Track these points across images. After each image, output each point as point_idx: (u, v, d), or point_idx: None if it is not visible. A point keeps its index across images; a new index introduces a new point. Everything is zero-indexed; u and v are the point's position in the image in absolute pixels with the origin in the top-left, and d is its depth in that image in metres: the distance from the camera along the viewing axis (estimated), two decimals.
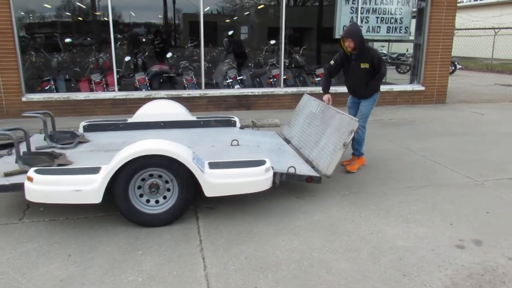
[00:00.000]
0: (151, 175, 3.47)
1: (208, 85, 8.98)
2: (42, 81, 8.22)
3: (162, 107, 5.50)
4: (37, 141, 4.68)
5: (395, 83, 10.45)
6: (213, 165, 3.56)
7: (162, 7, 9.51)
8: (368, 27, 9.00)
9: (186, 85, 8.80)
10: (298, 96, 8.79)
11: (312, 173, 4.02)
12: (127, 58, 9.22)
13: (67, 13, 8.82)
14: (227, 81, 9.01)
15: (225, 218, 3.65)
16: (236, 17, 10.24)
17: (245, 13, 10.35)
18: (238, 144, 4.67)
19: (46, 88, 8.18)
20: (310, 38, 10.41)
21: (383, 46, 18.30)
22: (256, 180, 3.54)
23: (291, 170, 3.86)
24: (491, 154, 5.63)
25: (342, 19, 8.92)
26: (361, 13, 8.87)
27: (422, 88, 9.47)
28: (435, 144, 6.19)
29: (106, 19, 7.95)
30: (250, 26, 10.63)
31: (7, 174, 3.62)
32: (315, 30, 10.26)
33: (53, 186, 3.28)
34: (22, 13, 7.95)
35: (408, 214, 3.75)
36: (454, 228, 3.49)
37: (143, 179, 3.47)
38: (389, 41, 11.41)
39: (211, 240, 3.26)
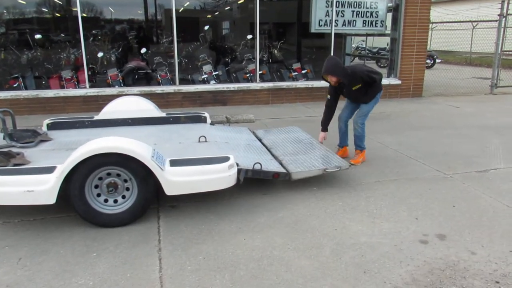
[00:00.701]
0: (109, 174, 3.35)
1: (184, 81, 8.85)
2: (10, 78, 7.97)
3: (129, 103, 5.35)
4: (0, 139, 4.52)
5: None
6: (174, 163, 3.45)
7: (137, 2, 9.33)
8: (344, 20, 8.95)
9: (160, 81, 8.64)
10: (275, 91, 8.76)
11: (280, 169, 3.96)
12: (100, 54, 9.01)
13: (38, 9, 8.59)
14: (203, 77, 8.88)
15: (187, 216, 3.56)
16: (214, 12, 10.11)
17: (223, 8, 10.22)
18: (206, 141, 4.57)
19: (15, 85, 7.94)
20: (287, 33, 10.35)
21: (363, 41, 18.40)
22: (219, 177, 3.45)
23: (257, 167, 3.79)
24: (463, 147, 5.64)
25: (318, 12, 8.86)
26: (336, 7, 8.82)
27: (399, 82, 9.49)
28: (408, 138, 6.18)
29: (76, 15, 7.73)
30: (227, 21, 10.51)
31: None
32: (292, 25, 10.20)
33: (4, 187, 3.13)
34: None
35: (374, 209, 3.71)
36: (419, 222, 3.46)
37: (100, 178, 3.34)
38: (365, 35, 11.42)
39: (170, 240, 3.16)
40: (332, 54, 9.04)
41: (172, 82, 8.60)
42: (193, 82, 8.97)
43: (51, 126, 5.07)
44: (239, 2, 9.94)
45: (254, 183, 4.26)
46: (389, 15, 9.48)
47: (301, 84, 8.95)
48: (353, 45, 16.13)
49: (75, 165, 3.15)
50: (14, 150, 4.09)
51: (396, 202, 3.85)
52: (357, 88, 4.71)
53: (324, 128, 5.01)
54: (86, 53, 7.88)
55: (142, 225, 3.39)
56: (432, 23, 17.24)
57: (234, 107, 8.43)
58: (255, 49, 8.77)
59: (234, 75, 9.35)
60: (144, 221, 3.46)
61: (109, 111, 5.29)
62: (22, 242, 3.13)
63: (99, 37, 9.26)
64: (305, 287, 2.58)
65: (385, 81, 9.47)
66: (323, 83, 9.31)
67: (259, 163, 3.80)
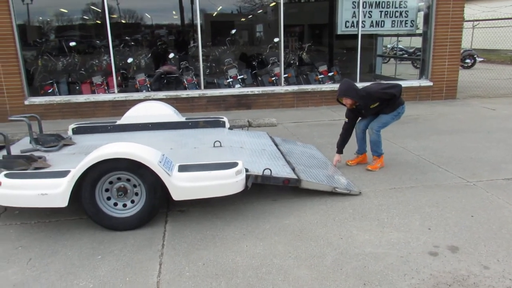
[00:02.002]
0: (119, 179, 3.44)
1: (210, 85, 8.96)
2: (45, 84, 8.38)
3: (150, 108, 5.48)
4: (26, 144, 4.76)
5: (406, 78, 10.14)
6: (182, 168, 3.50)
7: (165, 8, 9.54)
8: (372, 21, 8.75)
9: (186, 85, 8.79)
10: (299, 94, 8.69)
11: (290, 175, 3.91)
12: (130, 60, 9.29)
13: (73, 17, 8.97)
14: (228, 81, 8.94)
15: (193, 221, 3.59)
16: (241, 17, 10.16)
17: (250, 12, 10.25)
18: (220, 146, 4.60)
19: (49, 91, 8.33)
20: (314, 35, 10.24)
21: (399, 41, 17.85)
22: (226, 183, 3.45)
23: (267, 172, 3.76)
24: (492, 153, 5.35)
25: (344, 14, 8.71)
26: (363, 8, 8.63)
27: (430, 84, 9.14)
28: (434, 142, 5.94)
29: (103, 21, 8.02)
30: (254, 25, 10.53)
31: None
32: (318, 27, 10.08)
33: (21, 190, 3.29)
34: (24, 19, 8.12)
35: (385, 218, 3.59)
36: (432, 233, 3.31)
37: (111, 182, 3.44)
38: (394, 35, 11.07)
39: (173, 245, 3.20)
40: (359, 55, 8.86)
41: (198, 86, 8.72)
42: (218, 86, 9.06)
43: (76, 131, 5.29)
44: (270, 5, 9.91)
45: (264, 189, 4.24)
46: (420, 14, 9.16)
47: (327, 87, 8.82)
48: (388, 46, 15.73)
49: (86, 170, 3.26)
50: (37, 154, 4.30)
51: (410, 211, 3.71)
52: (375, 106, 4.63)
53: (339, 150, 4.87)
54: (115, 59, 8.15)
55: (149, 229, 3.45)
56: (474, 21, 16.47)
57: (258, 110, 8.43)
58: (279, 52, 8.73)
59: (259, 78, 9.36)
60: (151, 225, 3.52)
61: (131, 116, 5.44)
62: (35, 243, 3.28)
63: (129, 43, 9.54)
64: None
65: (415, 83, 9.20)
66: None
67: (269, 169, 3.77)
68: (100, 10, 8.43)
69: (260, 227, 3.47)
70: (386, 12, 8.76)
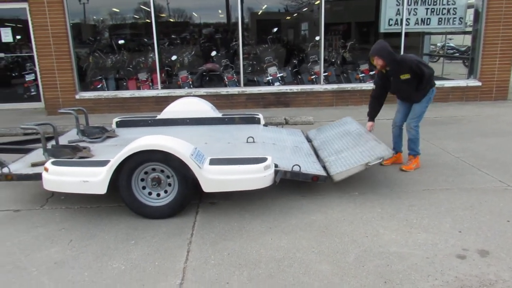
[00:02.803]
0: (153, 169, 3.63)
1: (250, 83, 9.09)
2: (94, 80, 8.87)
3: (188, 104, 5.69)
4: (73, 135, 5.11)
5: (454, 78, 9.76)
6: (213, 162, 3.63)
7: (208, 7, 9.76)
8: (417, 19, 8.50)
9: (226, 82, 8.97)
10: (339, 93, 8.62)
11: (319, 172, 3.94)
12: (174, 57, 9.61)
13: (122, 16, 9.39)
14: (267, 78, 9.03)
15: (222, 213, 3.72)
16: (283, 15, 10.20)
17: (292, 11, 10.27)
18: (253, 141, 4.70)
19: (98, 86, 8.82)
20: (356, 33, 10.07)
21: (450, 39, 17.12)
22: (254, 177, 3.54)
23: (296, 169, 3.82)
24: None
25: (388, 11, 8.52)
26: (408, 5, 8.40)
27: (479, 84, 8.75)
28: (476, 144, 5.71)
29: (150, 20, 8.36)
30: (296, 23, 10.52)
31: (33, 164, 4.01)
32: (361, 25, 9.90)
33: (65, 177, 3.56)
34: (77, 18, 8.63)
35: (414, 219, 3.53)
36: (462, 236, 3.23)
37: (146, 173, 3.63)
38: (441, 33, 10.65)
39: (202, 234, 3.34)
40: (402, 53, 8.62)
41: (238, 84, 8.88)
42: (258, 84, 9.18)
43: (119, 124, 5.59)
44: (316, 3, 9.89)
45: (294, 184, 4.29)
46: (470, 11, 8.77)
47: (367, 85, 8.68)
48: (438, 44, 15.15)
49: (123, 160, 3.48)
50: (83, 144, 4.60)
51: (441, 213, 3.62)
52: (405, 79, 4.45)
53: (371, 118, 4.84)
54: (160, 57, 8.49)
55: (180, 219, 3.62)
56: None
57: (296, 109, 8.46)
58: (320, 50, 8.71)
59: (299, 76, 9.37)
60: (183, 215, 3.69)
61: (170, 111, 5.67)
62: (76, 226, 3.54)
63: (175, 41, 9.86)
64: None
65: (461, 83, 8.85)
66: None
67: (298, 165, 3.82)
68: (148, 9, 8.79)
69: (287, 221, 3.53)
70: (433, 9, 8.48)
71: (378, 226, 3.42)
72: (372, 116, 4.85)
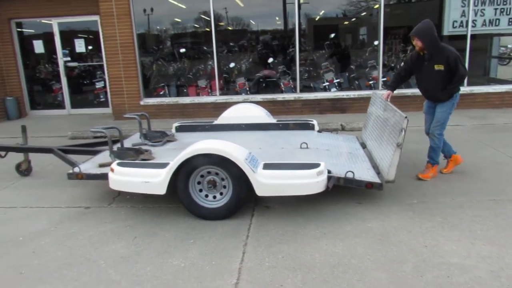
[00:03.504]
0: (209, 172, 3.77)
1: (306, 89, 9.09)
2: (158, 87, 9.34)
3: (244, 110, 5.82)
4: (136, 139, 5.42)
5: None
6: (267, 166, 3.69)
7: (266, 14, 9.92)
8: (484, 20, 8.05)
9: (283, 89, 9.04)
10: (398, 98, 8.34)
11: (374, 179, 3.86)
12: (232, 65, 9.86)
13: (183, 26, 9.82)
14: (324, 84, 8.98)
15: (277, 217, 3.76)
16: (343, 20, 10.10)
17: (353, 15, 10.15)
18: (307, 147, 4.71)
19: (161, 93, 9.27)
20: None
21: None
22: (307, 182, 3.56)
23: (349, 175, 3.78)
24: None
25: (452, 13, 8.16)
26: (474, 5, 7.98)
27: None
28: None
29: (209, 29, 8.66)
30: (354, 28, 10.38)
31: (101, 165, 4.32)
32: None
33: (128, 177, 3.80)
34: (142, 29, 9.15)
35: (478, 230, 3.36)
36: None
37: (202, 176, 3.78)
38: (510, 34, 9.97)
39: (257, 237, 3.41)
40: (468, 57, 8.22)
41: (294, 90, 8.92)
42: (314, 89, 9.15)
43: (178, 129, 5.85)
44: (375, 7, 9.72)
45: (350, 191, 4.25)
46: None
47: None
48: (509, 46, 14.22)
49: (182, 163, 3.65)
50: (145, 147, 4.88)
51: (509, 224, 3.41)
52: (438, 69, 4.26)
53: (390, 88, 4.77)
54: (219, 64, 8.76)
55: (236, 221, 3.72)
56: None
57: (353, 115, 8.33)
58: (378, 55, 8.52)
59: (356, 82, 9.22)
60: (238, 217, 3.78)
61: (226, 116, 5.84)
62: (140, 224, 3.76)
63: (233, 49, 10.12)
64: None
65: None
66: None
67: (352, 172, 3.78)
68: (208, 19, 9.11)
69: (341, 228, 3.51)
70: (502, 10, 7.99)
71: (438, 236, 3.29)
72: (391, 86, 4.79)
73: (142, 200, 4.31)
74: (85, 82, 10.14)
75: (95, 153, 4.91)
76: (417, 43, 4.30)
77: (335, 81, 8.97)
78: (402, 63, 4.70)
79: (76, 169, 4.17)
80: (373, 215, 3.71)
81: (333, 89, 8.88)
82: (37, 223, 3.85)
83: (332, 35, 10.11)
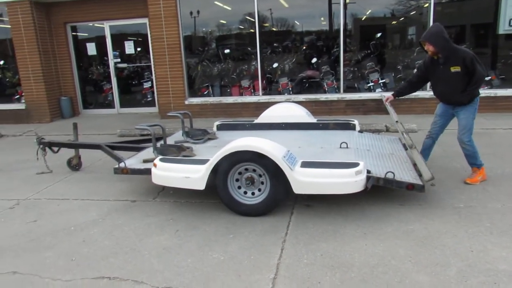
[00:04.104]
0: (247, 169, 3.81)
1: (350, 89, 8.96)
2: (202, 87, 9.56)
3: (284, 109, 5.84)
4: (179, 136, 5.59)
5: None
6: (305, 164, 3.69)
7: (311, 15, 9.89)
8: None
9: (326, 89, 8.97)
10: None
11: (415, 180, 3.75)
12: (275, 65, 9.90)
13: (228, 27, 9.99)
14: (369, 85, 8.81)
15: (317, 216, 3.75)
16: (391, 20, 9.88)
17: (401, 15, 9.90)
18: (347, 147, 4.65)
19: (205, 93, 9.48)
20: (469, 36, 9.30)
21: None
22: (345, 181, 3.51)
23: (389, 176, 3.70)
24: None
25: (508, 11, 7.74)
26: None
27: None
28: None
29: (254, 30, 8.75)
30: (406, 27, 10.10)
31: (145, 161, 4.50)
32: (475, 27, 9.12)
33: (170, 172, 3.93)
34: (188, 31, 9.41)
35: None
36: None
37: (240, 173, 3.83)
38: None
39: (296, 234, 3.42)
40: None
41: (337, 90, 8.82)
42: (359, 90, 9.00)
43: (219, 127, 5.97)
44: (424, 6, 9.43)
45: (392, 193, 4.15)
46: None
47: (481, 92, 7.92)
48: None
49: (221, 159, 3.73)
50: (187, 144, 5.02)
51: None
52: (455, 71, 4.08)
53: (397, 94, 4.77)
54: (262, 64, 8.83)
55: (275, 218, 3.75)
56: None
57: (399, 116, 8.07)
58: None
59: (403, 82, 8.95)
60: (278, 214, 3.81)
61: (267, 115, 5.88)
62: (182, 218, 3.88)
63: (277, 49, 10.17)
64: None
65: None
66: (510, 92, 8.09)
67: (392, 172, 3.70)
68: (253, 20, 9.22)
69: (382, 229, 3.44)
70: None
71: (485, 241, 3.15)
72: (397, 91, 4.76)
73: (184, 195, 4.44)
74: (133, 82, 10.56)
75: (140, 149, 5.11)
76: (429, 48, 4.20)
77: (380, 81, 8.77)
78: (415, 70, 4.54)
79: (122, 164, 4.36)
80: (416, 218, 3.61)
81: (378, 90, 8.69)
82: (87, 214, 4.08)
83: (378, 35, 9.90)
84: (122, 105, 10.48)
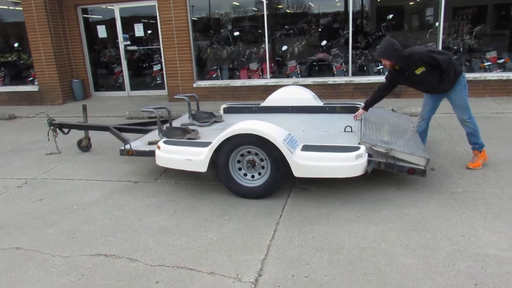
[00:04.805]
0: (249, 152, 3.87)
1: (360, 73, 8.85)
2: (210, 70, 9.56)
3: (291, 92, 5.84)
4: (186, 119, 5.65)
5: None
6: (305, 148, 3.71)
7: None
8: None
9: (335, 72, 8.88)
10: None
11: (416, 165, 3.74)
12: (284, 48, 9.82)
13: (237, 10, 9.91)
14: (378, 68, 8.69)
15: (313, 199, 3.79)
16: (400, 1, 9.66)
17: None
18: (351, 131, 4.65)
19: (214, 76, 9.48)
20: (487, 17, 9.03)
21: None
22: (344, 165, 3.54)
23: (390, 160, 3.70)
24: None
25: None
26: None
27: None
28: None
29: (262, 12, 8.67)
30: (423, 8, 9.86)
31: (150, 143, 4.58)
32: (496, 7, 8.84)
33: (173, 155, 4.01)
34: (196, 13, 9.37)
35: None
36: None
37: (242, 155, 3.89)
38: None
39: (290, 216, 3.47)
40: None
41: (346, 73, 8.73)
42: (368, 73, 8.88)
43: (226, 110, 6.01)
44: None
45: (392, 176, 4.15)
46: None
47: (493, 75, 7.78)
48: None
49: (222, 142, 3.78)
50: (192, 127, 5.08)
51: None
52: (421, 72, 4.06)
53: (366, 107, 4.70)
54: (271, 47, 8.77)
55: (272, 200, 3.80)
56: None
57: (408, 99, 8.00)
58: (437, 37, 8.05)
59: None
60: (275, 197, 3.86)
61: (273, 99, 5.89)
62: (181, 199, 3.96)
63: (286, 32, 10.07)
64: (400, 284, 2.52)
65: None
66: None
67: (393, 156, 3.69)
68: (262, 0, 9.12)
69: (377, 212, 3.46)
70: None
71: (478, 226, 3.14)
72: (367, 105, 4.72)
73: (186, 177, 4.52)
74: (143, 65, 10.63)
75: (146, 131, 5.19)
76: (386, 63, 4.21)
77: None
78: (384, 81, 4.50)
79: (127, 146, 4.46)
80: (412, 202, 3.61)
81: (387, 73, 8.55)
82: (90, 194, 4.20)
83: (390, 16, 9.69)
84: (132, 87, 10.58)
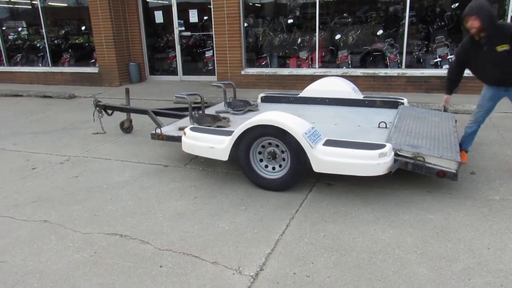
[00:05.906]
0: (270, 144, 3.81)
1: (416, 65, 8.34)
2: (260, 57, 9.52)
3: (330, 84, 5.65)
4: (222, 106, 5.69)
5: None
6: (328, 143, 3.58)
7: None
8: None
9: (388, 63, 8.45)
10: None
11: (447, 168, 3.46)
12: (338, 36, 9.50)
13: None
14: (435, 60, 8.13)
15: (334, 196, 3.66)
16: None
17: None
18: (385, 127, 4.41)
19: (263, 63, 9.43)
20: None
21: None
22: (366, 163, 3.37)
23: (419, 160, 3.46)
24: None
25: None
26: None
27: None
28: None
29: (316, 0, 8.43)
30: None
31: (180, 128, 4.68)
32: None
33: (197, 141, 4.06)
34: (252, 0, 9.33)
35: None
36: None
37: (263, 146, 3.84)
38: None
39: (306, 212, 3.39)
40: None
41: (400, 65, 8.27)
42: (424, 66, 8.35)
43: (263, 99, 5.96)
44: None
45: (424, 178, 3.90)
46: None
47: None
48: None
49: (243, 132, 3.76)
50: (226, 115, 5.10)
51: None
52: (502, 50, 3.57)
53: (448, 91, 4.34)
54: (325, 36, 8.53)
55: (292, 194, 3.73)
56: None
57: (464, 95, 7.41)
58: None
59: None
60: (296, 191, 3.79)
61: (312, 89, 5.74)
62: (203, 186, 4.02)
63: (341, 20, 9.72)
64: None
65: None
66: None
67: (422, 157, 3.45)
68: None
69: (399, 215, 3.27)
70: None
71: (509, 239, 2.86)
72: (449, 88, 4.34)
73: (213, 164, 4.58)
74: (197, 51, 10.84)
75: (181, 117, 5.31)
76: (473, 24, 3.69)
77: (449, 56, 8.04)
78: (453, 58, 4.05)
79: (158, 130, 4.59)
80: (440, 207, 3.37)
81: (446, 66, 7.99)
82: (121, 174, 4.40)
83: (455, 5, 8.99)
84: (185, 72, 10.84)
